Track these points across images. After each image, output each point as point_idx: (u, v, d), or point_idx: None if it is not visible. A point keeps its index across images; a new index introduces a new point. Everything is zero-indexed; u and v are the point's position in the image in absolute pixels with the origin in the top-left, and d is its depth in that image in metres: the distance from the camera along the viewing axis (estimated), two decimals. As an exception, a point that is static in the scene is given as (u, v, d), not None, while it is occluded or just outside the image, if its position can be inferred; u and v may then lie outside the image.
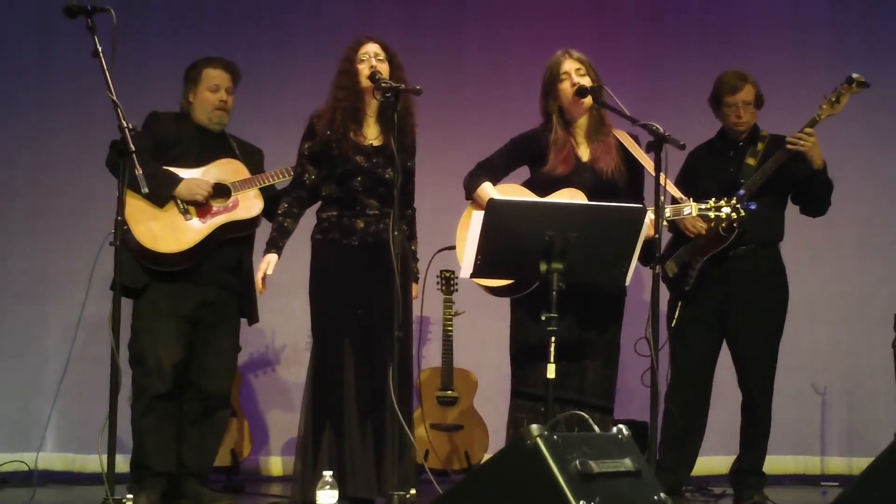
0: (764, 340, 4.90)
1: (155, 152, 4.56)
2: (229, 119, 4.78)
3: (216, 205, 4.59)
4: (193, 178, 4.56)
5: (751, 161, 4.86)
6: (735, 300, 4.85)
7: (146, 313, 4.55)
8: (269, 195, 4.70)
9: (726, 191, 4.58)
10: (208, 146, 4.71)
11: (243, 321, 4.80)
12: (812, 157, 4.72)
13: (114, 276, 3.75)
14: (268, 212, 4.63)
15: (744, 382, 4.95)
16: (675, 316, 4.86)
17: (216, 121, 4.74)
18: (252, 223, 4.66)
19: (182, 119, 4.75)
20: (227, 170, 4.67)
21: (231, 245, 4.63)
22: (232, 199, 4.61)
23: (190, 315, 4.57)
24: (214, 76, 4.73)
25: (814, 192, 4.89)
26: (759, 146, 4.90)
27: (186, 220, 4.54)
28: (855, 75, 4.65)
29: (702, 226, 4.66)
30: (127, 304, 4.51)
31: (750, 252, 4.83)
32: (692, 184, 4.75)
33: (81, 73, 5.13)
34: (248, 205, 4.63)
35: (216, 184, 4.59)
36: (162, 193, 4.48)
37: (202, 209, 4.56)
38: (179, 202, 4.54)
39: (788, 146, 4.69)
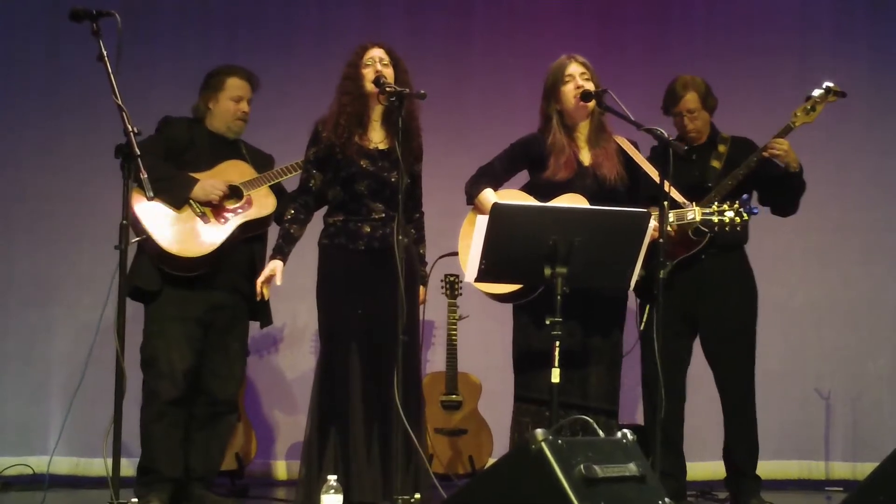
0: (737, 342, 4.87)
1: (168, 156, 4.58)
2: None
3: (231, 205, 4.61)
4: (207, 179, 4.58)
5: (715, 164, 4.87)
6: (704, 304, 4.83)
7: (159, 317, 4.55)
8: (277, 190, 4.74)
9: (692, 195, 4.58)
10: (221, 152, 4.72)
11: (252, 325, 4.81)
12: (788, 161, 4.73)
13: (120, 281, 3.75)
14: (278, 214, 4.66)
15: (722, 387, 4.92)
16: (643, 319, 4.80)
17: (235, 130, 4.76)
18: (267, 220, 4.69)
19: (195, 124, 4.76)
20: (233, 171, 4.69)
21: (244, 245, 4.64)
22: (245, 198, 4.63)
23: (201, 319, 4.58)
24: (238, 87, 4.74)
25: (787, 193, 4.87)
26: (722, 148, 4.91)
27: (205, 223, 4.55)
28: (831, 84, 4.67)
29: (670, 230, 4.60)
30: (137, 310, 4.54)
31: (714, 256, 4.78)
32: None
33: (88, 77, 5.13)
34: (262, 202, 4.65)
35: (232, 186, 4.61)
36: (179, 196, 4.51)
37: (218, 211, 4.58)
38: (196, 205, 4.55)
39: (766, 154, 4.69)
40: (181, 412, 4.58)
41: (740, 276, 4.91)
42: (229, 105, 4.73)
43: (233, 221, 4.59)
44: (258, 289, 4.40)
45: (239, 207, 4.62)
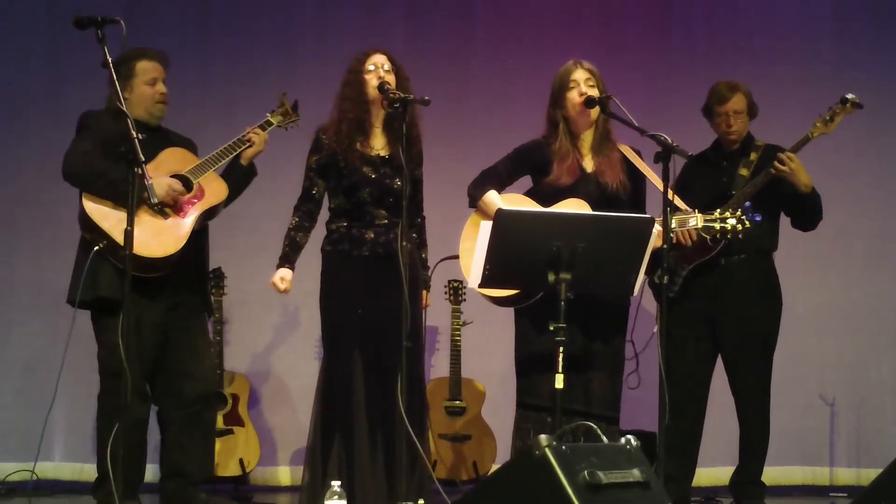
0: (756, 350, 4.88)
1: (105, 153, 4.35)
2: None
3: (186, 196, 4.46)
4: (162, 179, 4.37)
5: (744, 171, 4.88)
6: (725, 310, 4.84)
7: (120, 326, 4.39)
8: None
9: (717, 201, 4.59)
10: (152, 141, 4.46)
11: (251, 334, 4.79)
12: (796, 181, 4.73)
13: (125, 286, 3.73)
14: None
15: (737, 393, 4.93)
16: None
17: (157, 114, 4.59)
18: (220, 207, 4.56)
19: (117, 116, 4.27)
20: (176, 159, 4.53)
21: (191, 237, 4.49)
22: (195, 186, 4.49)
23: (160, 324, 4.46)
24: (150, 69, 4.56)
25: (801, 210, 4.90)
26: (753, 156, 4.91)
27: (166, 218, 4.40)
28: (850, 96, 4.69)
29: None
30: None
31: (741, 261, 4.82)
32: (685, 195, 4.71)
33: (91, 84, 5.14)
34: (215, 189, 4.52)
35: (179, 176, 4.46)
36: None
37: (175, 204, 4.42)
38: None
39: (772, 170, 4.69)
40: (141, 420, 4.45)
41: (763, 283, 4.92)
42: (146, 90, 4.54)
43: (192, 213, 4.45)
44: (278, 288, 4.36)
45: (194, 197, 4.47)
